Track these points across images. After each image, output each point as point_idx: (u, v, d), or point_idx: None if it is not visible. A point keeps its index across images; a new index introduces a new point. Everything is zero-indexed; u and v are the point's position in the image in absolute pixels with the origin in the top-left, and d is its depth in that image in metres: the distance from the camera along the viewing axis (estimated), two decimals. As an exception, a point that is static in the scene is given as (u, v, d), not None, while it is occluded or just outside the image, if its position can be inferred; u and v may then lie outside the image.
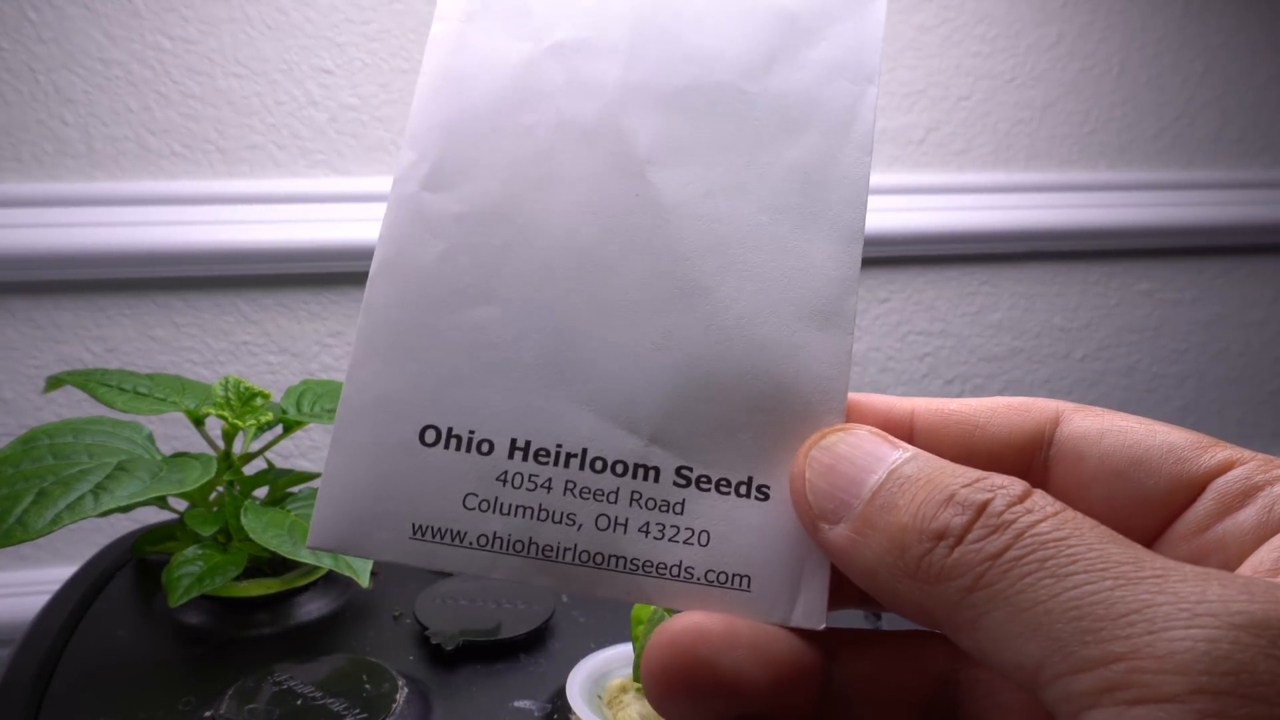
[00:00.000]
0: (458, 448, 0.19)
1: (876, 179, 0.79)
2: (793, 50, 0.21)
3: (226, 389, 0.49)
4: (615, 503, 0.19)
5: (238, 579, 0.49)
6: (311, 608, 0.49)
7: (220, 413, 0.48)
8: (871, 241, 0.76)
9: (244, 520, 0.44)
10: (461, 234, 0.20)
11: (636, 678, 0.40)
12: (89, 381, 0.49)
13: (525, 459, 0.19)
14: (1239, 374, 0.92)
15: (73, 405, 0.66)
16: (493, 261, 0.20)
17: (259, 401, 0.49)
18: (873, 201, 0.76)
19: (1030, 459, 0.20)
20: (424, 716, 0.40)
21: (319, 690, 0.40)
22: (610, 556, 0.19)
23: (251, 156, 0.68)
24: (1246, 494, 0.18)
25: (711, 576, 0.19)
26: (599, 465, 0.19)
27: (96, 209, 0.65)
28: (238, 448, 0.50)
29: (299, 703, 0.39)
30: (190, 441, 0.60)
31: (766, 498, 0.20)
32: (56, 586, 0.50)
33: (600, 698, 0.41)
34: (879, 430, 0.19)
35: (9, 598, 0.66)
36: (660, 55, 0.21)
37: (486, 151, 0.20)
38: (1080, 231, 0.83)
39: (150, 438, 0.47)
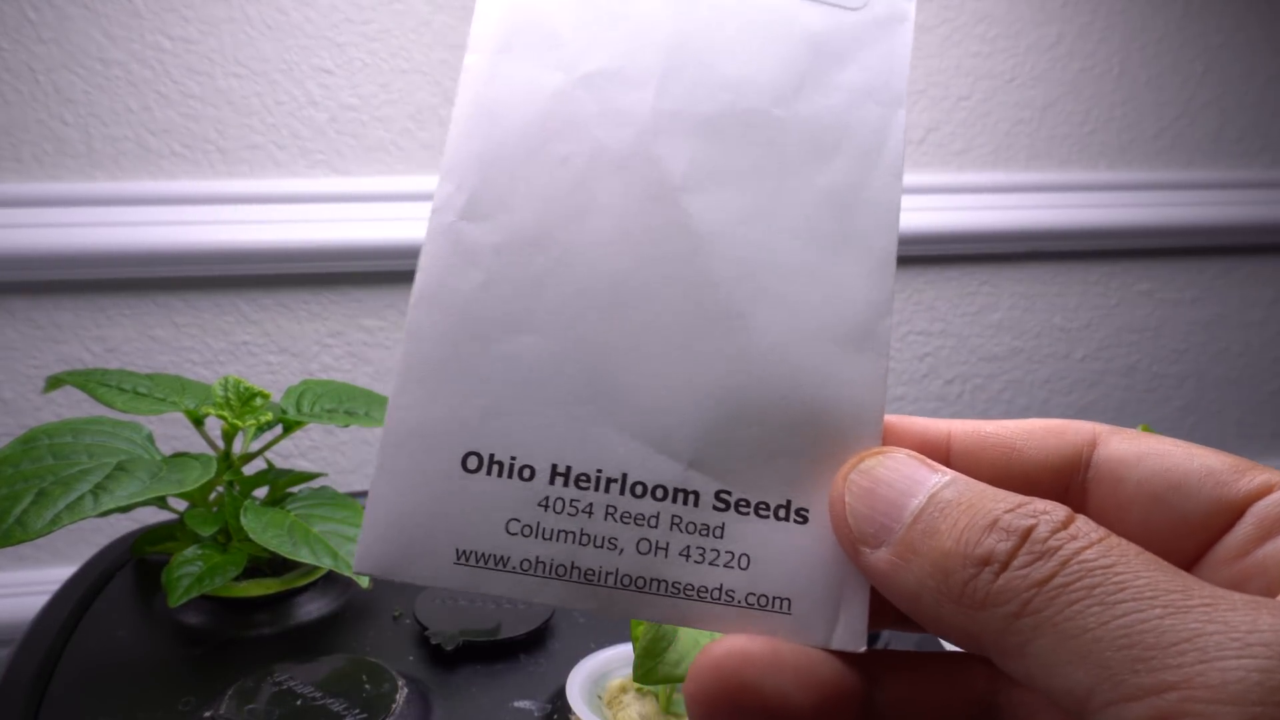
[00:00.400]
0: (500, 474, 0.20)
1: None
2: (822, 74, 0.21)
3: (226, 389, 0.49)
4: (656, 527, 0.20)
5: (237, 579, 0.49)
6: (311, 608, 0.49)
7: (220, 413, 0.48)
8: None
9: (244, 520, 0.44)
10: (500, 264, 0.20)
11: (636, 678, 0.40)
12: (89, 381, 0.49)
13: (566, 484, 0.20)
14: (1239, 374, 0.92)
15: (73, 405, 0.66)
16: (531, 291, 0.20)
17: (259, 401, 0.49)
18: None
19: (1068, 482, 0.21)
20: (424, 716, 0.40)
21: (319, 690, 0.40)
22: (652, 580, 0.19)
23: (251, 156, 0.68)
24: None
25: (752, 599, 0.19)
26: (639, 490, 0.20)
27: (96, 209, 0.65)
28: (237, 448, 0.50)
29: (299, 703, 0.39)
30: (190, 441, 0.60)
31: (805, 520, 0.20)
32: (56, 586, 0.50)
33: (600, 698, 0.41)
34: (916, 453, 0.19)
35: (9, 598, 0.66)
36: (692, 82, 0.21)
37: (522, 182, 0.21)
38: (1080, 231, 0.83)
39: (150, 438, 0.47)
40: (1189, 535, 0.19)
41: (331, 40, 0.68)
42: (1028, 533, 0.16)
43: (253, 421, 0.48)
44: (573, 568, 0.19)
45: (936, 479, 0.18)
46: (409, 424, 0.20)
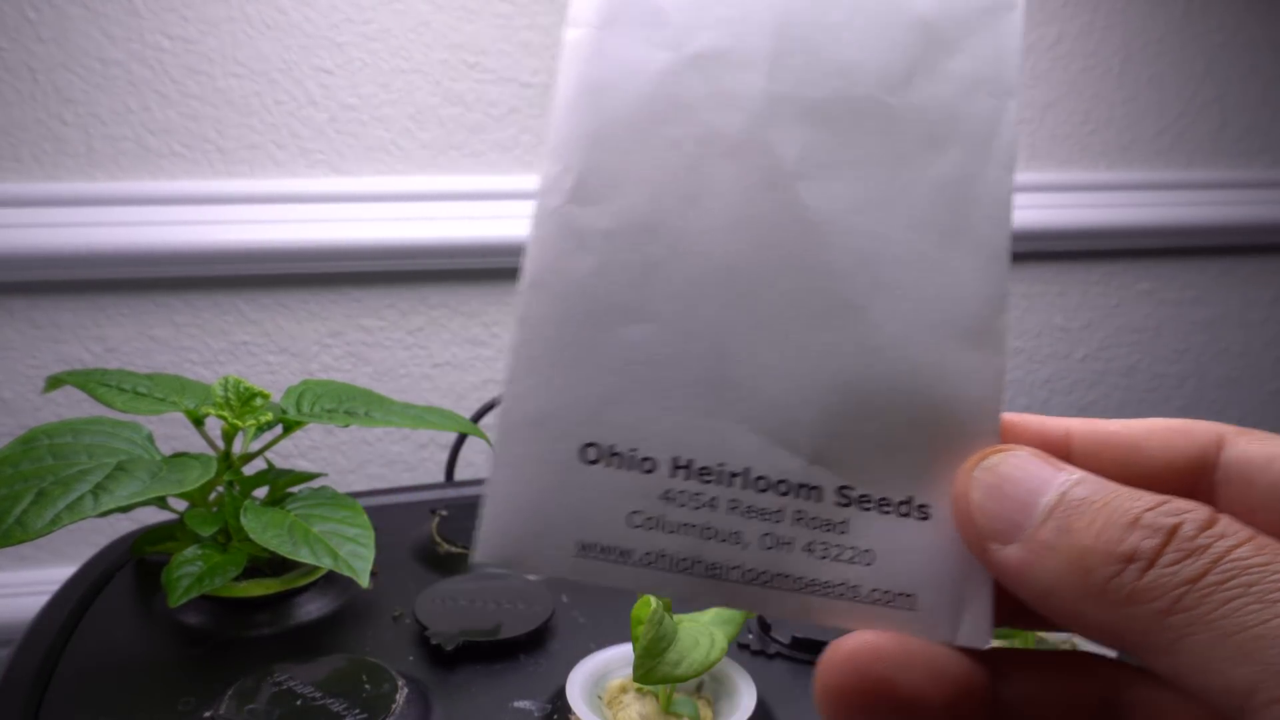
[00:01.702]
0: (620, 465, 0.19)
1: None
2: (932, 62, 0.21)
3: (226, 389, 0.49)
4: (780, 522, 0.19)
5: (237, 579, 0.49)
6: (311, 608, 0.49)
7: (220, 413, 0.48)
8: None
9: (244, 520, 0.44)
10: (612, 249, 0.20)
11: (636, 678, 0.40)
12: (89, 381, 0.49)
13: (689, 477, 0.19)
14: (1239, 374, 0.92)
15: (72, 405, 0.66)
16: (645, 278, 0.20)
17: (258, 401, 0.49)
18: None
19: (1194, 483, 0.20)
20: (424, 716, 0.40)
21: (319, 690, 0.40)
22: (777, 575, 0.19)
23: (251, 156, 0.68)
24: None
25: (876, 595, 0.19)
26: (762, 484, 0.19)
27: (96, 209, 0.65)
28: (237, 448, 0.50)
29: (299, 703, 0.39)
30: (190, 441, 0.60)
31: (927, 517, 0.20)
32: (56, 586, 0.50)
33: (600, 698, 0.41)
34: (1039, 451, 0.19)
35: (9, 598, 0.66)
36: (802, 66, 0.21)
37: (633, 164, 0.20)
38: (1080, 231, 0.83)
39: (150, 438, 0.47)
40: None
41: (331, 40, 0.68)
42: (1174, 530, 0.16)
43: (253, 421, 0.48)
44: (697, 562, 0.19)
45: (1064, 477, 0.18)
46: (525, 412, 0.19)
